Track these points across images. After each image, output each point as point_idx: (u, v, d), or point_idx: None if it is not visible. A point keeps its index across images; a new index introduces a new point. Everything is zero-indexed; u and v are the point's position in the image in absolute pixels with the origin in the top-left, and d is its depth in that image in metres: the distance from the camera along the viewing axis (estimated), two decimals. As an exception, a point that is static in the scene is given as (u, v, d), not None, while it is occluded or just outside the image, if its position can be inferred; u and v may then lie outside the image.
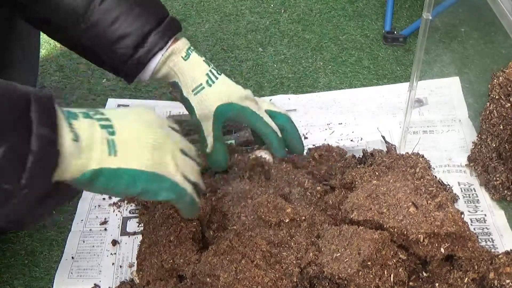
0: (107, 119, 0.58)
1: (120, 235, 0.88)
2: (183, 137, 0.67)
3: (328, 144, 0.94)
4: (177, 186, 0.62)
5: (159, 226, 0.79)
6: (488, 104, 0.97)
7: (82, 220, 0.90)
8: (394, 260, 0.70)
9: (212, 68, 0.79)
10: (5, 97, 0.48)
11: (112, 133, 0.57)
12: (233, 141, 0.97)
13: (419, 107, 1.04)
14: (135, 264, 0.81)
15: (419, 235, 0.69)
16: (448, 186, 0.89)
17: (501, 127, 0.92)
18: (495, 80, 0.97)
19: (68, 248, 0.86)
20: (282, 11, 1.32)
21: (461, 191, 0.90)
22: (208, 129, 0.79)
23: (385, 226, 0.72)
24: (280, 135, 0.82)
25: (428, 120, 1.03)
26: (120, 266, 0.83)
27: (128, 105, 1.09)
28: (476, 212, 0.87)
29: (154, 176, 0.60)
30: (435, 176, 0.87)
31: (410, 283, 0.72)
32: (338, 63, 1.17)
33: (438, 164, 0.94)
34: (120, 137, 0.58)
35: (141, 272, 0.78)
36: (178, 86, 0.79)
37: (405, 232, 0.70)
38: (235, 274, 0.68)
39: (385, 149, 0.94)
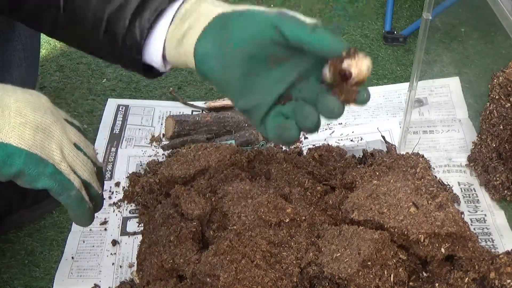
0: None
1: (120, 235, 0.88)
2: (80, 133, 0.61)
3: (328, 144, 0.94)
4: (60, 174, 0.56)
5: (159, 226, 0.79)
6: (488, 104, 0.97)
7: (82, 220, 0.90)
8: (394, 260, 0.70)
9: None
10: None
11: None
12: (233, 141, 0.97)
13: (419, 107, 1.04)
14: (135, 264, 0.81)
15: (420, 235, 0.69)
16: (448, 186, 0.89)
17: (501, 127, 0.92)
18: (495, 80, 0.98)
19: (68, 248, 0.86)
20: (282, 11, 1.32)
21: (461, 191, 0.90)
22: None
23: (385, 226, 0.71)
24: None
25: (428, 120, 1.03)
26: (120, 266, 0.83)
27: (128, 105, 1.09)
28: (476, 212, 0.87)
29: (35, 158, 0.54)
30: (435, 176, 0.87)
31: (410, 283, 0.72)
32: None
33: (438, 164, 0.94)
34: None
35: (141, 272, 0.78)
36: None
37: (405, 232, 0.70)
38: (235, 274, 0.68)
39: (385, 149, 0.94)
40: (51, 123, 0.56)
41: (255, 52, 0.55)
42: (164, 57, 0.61)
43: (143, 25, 0.59)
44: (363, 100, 0.56)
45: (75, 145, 0.59)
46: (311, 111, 0.54)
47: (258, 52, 0.55)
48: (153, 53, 0.61)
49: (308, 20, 0.54)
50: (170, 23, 0.59)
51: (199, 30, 0.57)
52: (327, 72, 0.54)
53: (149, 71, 0.64)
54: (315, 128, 0.55)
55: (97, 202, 0.62)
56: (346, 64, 0.53)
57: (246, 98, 0.58)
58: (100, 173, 0.63)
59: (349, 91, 0.55)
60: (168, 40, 0.59)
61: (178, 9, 0.59)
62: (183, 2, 0.59)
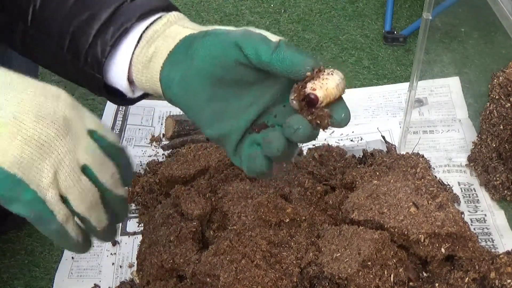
0: None
1: (120, 235, 0.87)
2: (105, 155, 0.49)
3: (328, 144, 0.94)
4: (40, 204, 0.45)
5: (159, 226, 0.79)
6: (488, 104, 0.97)
7: (82, 220, 0.90)
8: (394, 260, 0.70)
9: None
10: None
11: None
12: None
13: (419, 107, 1.04)
14: (135, 264, 0.81)
15: (420, 235, 0.69)
16: (448, 186, 0.89)
17: (501, 127, 0.92)
18: (495, 80, 0.98)
19: (68, 248, 0.86)
20: (282, 11, 1.32)
21: (461, 191, 0.90)
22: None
23: (385, 226, 0.71)
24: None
25: (428, 120, 1.03)
26: (120, 266, 0.83)
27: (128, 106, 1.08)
28: (476, 212, 0.87)
29: (12, 179, 0.43)
30: (436, 176, 0.87)
31: (410, 283, 0.72)
32: (338, 63, 1.17)
33: (438, 164, 0.94)
34: None
35: (141, 272, 0.78)
36: None
37: (405, 232, 0.70)
38: (235, 274, 0.68)
39: (385, 149, 0.94)
40: (54, 137, 0.45)
41: (220, 75, 0.51)
42: (131, 82, 0.57)
43: (105, 41, 0.54)
44: (340, 121, 0.49)
45: (84, 167, 0.47)
46: (276, 135, 0.48)
47: (224, 75, 0.51)
48: (117, 75, 0.56)
49: (274, 37, 0.49)
50: (136, 45, 0.54)
51: (164, 54, 0.53)
52: (292, 98, 0.47)
53: (117, 95, 0.59)
54: (282, 155, 0.49)
55: (97, 234, 0.51)
56: (309, 87, 0.46)
57: (214, 126, 0.53)
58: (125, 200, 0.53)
59: (320, 115, 0.47)
60: (134, 64, 0.55)
61: (145, 30, 0.54)
62: (152, 23, 0.55)
